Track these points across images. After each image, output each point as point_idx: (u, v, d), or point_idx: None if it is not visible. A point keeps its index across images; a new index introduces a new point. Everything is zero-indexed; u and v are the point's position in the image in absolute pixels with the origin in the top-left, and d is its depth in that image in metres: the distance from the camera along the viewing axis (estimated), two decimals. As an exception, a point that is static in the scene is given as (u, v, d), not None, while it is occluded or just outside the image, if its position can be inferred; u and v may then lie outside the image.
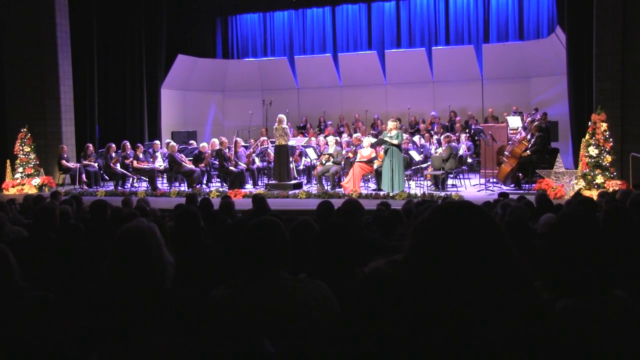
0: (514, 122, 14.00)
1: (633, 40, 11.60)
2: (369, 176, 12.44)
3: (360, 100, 17.86)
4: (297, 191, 11.68)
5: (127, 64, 16.49)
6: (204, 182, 13.21)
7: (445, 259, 1.25)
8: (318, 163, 12.74)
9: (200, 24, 19.51)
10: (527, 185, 11.38)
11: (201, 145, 13.68)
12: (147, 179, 13.35)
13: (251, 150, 13.78)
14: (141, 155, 13.55)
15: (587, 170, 10.57)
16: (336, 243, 2.77)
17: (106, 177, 13.85)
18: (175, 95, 18.30)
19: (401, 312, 1.26)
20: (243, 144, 14.12)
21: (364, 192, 11.46)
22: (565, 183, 10.67)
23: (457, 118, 16.36)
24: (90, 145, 14.21)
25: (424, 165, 12.37)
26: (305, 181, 13.39)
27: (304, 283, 2.45)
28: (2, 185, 13.74)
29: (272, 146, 13.07)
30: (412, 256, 1.31)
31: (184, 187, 12.92)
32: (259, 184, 13.53)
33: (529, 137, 11.59)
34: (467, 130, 15.20)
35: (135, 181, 13.80)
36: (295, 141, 14.10)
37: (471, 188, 11.95)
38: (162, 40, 17.01)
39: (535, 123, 11.72)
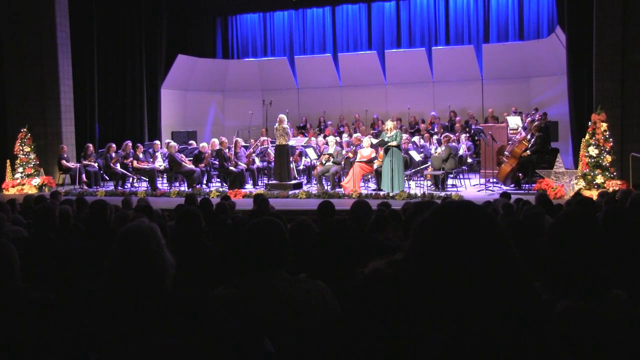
0: (514, 122, 14.00)
1: (633, 40, 11.60)
2: (369, 176, 12.43)
3: (360, 100, 17.86)
4: (297, 191, 11.68)
5: (127, 64, 16.47)
6: (204, 182, 13.21)
7: (446, 259, 1.25)
8: (318, 163, 12.73)
9: (200, 24, 19.51)
10: (527, 185, 11.38)
11: (201, 145, 13.67)
12: (147, 179, 13.35)
13: (251, 150, 13.77)
14: (141, 155, 13.55)
15: (587, 170, 10.57)
16: (336, 243, 2.77)
17: (106, 177, 13.83)
18: (175, 95, 18.29)
19: (401, 312, 1.26)
20: (243, 144, 14.12)
21: (364, 192, 11.45)
22: (565, 183, 10.67)
23: (457, 118, 16.35)
24: (90, 145, 14.19)
25: (424, 166, 12.36)
26: (305, 181, 13.39)
27: (304, 283, 2.45)
28: (2, 185, 13.74)
29: (272, 146, 13.06)
30: (413, 256, 1.31)
31: (184, 187, 12.91)
32: (259, 184, 13.52)
33: (529, 137, 11.59)
34: (467, 130, 15.20)
35: (135, 181, 13.80)
36: (295, 141, 14.09)
37: (471, 188, 11.95)
38: (162, 40, 17.00)
39: (535, 123, 11.73)
